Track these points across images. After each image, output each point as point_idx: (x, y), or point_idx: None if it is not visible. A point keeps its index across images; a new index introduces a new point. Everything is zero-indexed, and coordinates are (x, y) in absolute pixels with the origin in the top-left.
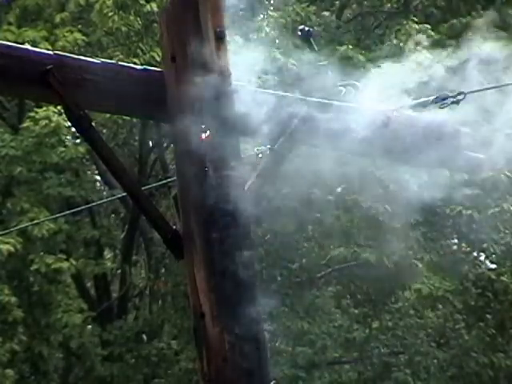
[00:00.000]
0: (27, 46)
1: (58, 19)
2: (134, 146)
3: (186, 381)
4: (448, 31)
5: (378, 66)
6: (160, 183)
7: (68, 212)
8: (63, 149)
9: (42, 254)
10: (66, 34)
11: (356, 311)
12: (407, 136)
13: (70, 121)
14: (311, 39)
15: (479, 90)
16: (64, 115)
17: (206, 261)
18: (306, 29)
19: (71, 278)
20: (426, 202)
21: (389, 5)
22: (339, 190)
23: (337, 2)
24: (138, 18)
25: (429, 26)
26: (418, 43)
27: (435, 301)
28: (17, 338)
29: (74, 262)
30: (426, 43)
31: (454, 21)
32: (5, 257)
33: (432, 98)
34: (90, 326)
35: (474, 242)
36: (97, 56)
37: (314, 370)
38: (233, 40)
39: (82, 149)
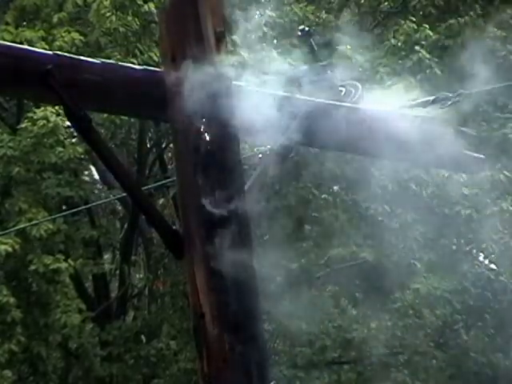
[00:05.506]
0: (27, 46)
1: (55, 19)
2: (133, 146)
3: (185, 381)
4: (446, 31)
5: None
6: (159, 183)
7: (66, 212)
8: (61, 149)
9: (40, 254)
10: (63, 34)
11: (355, 311)
12: (407, 135)
13: (69, 121)
14: (311, 39)
15: (479, 90)
16: (62, 115)
17: (206, 261)
18: (306, 29)
19: (70, 278)
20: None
21: (386, 3)
22: (338, 189)
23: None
24: (136, 19)
25: (427, 26)
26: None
27: (434, 301)
28: (15, 338)
29: (72, 263)
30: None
31: (453, 20)
32: (3, 257)
33: (432, 97)
34: (88, 327)
35: (473, 242)
36: (95, 56)
37: (313, 370)
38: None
39: (80, 149)
